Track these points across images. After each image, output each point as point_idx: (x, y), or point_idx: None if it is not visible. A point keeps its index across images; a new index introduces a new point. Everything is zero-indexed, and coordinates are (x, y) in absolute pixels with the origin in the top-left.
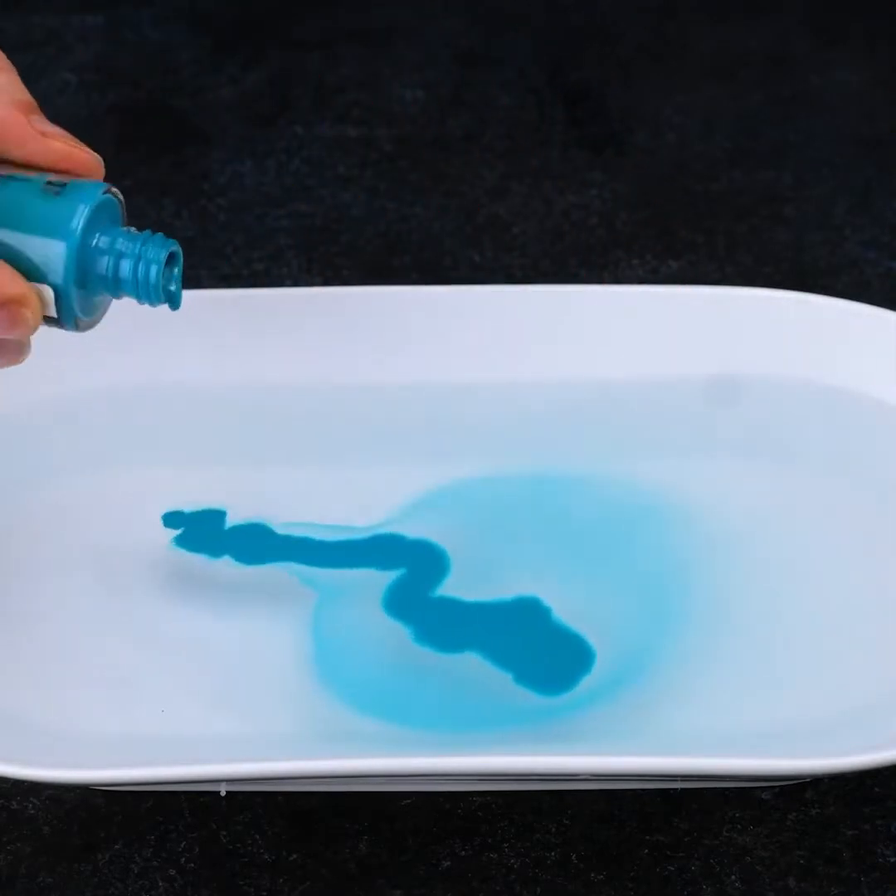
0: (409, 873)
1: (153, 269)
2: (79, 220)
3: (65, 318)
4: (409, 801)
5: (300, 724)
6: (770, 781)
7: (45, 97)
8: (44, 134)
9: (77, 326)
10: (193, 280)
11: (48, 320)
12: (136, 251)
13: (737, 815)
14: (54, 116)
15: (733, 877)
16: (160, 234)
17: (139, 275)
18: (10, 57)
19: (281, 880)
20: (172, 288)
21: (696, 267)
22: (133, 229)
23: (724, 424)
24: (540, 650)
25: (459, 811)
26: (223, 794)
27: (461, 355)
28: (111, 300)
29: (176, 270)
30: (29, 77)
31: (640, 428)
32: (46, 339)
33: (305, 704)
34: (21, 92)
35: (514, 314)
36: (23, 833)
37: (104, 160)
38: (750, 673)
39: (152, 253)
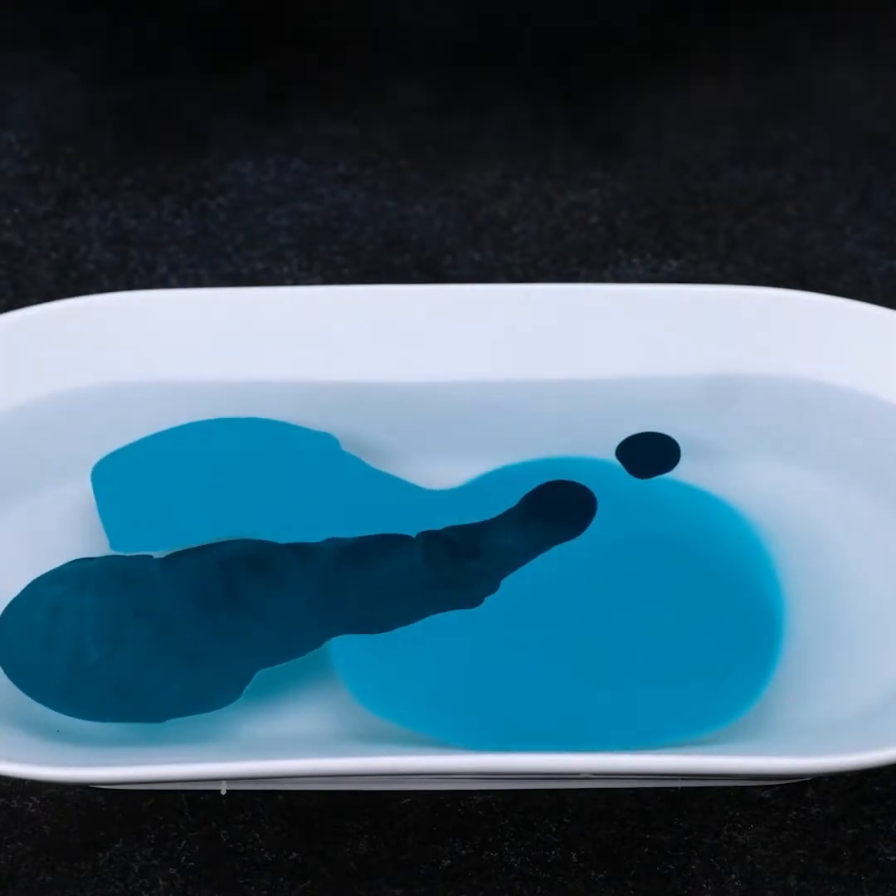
0: (410, 872)
1: None
2: None
3: None
4: (409, 800)
5: (301, 722)
6: (770, 780)
7: (46, 97)
8: None
9: None
10: (194, 279)
11: None
12: None
13: (737, 813)
14: (55, 116)
15: (733, 876)
16: None
17: None
18: (10, 56)
19: (281, 879)
20: None
21: (696, 266)
22: None
23: (723, 423)
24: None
25: (460, 810)
26: (223, 792)
27: (461, 354)
28: None
29: None
30: (29, 77)
31: (639, 427)
32: (46, 337)
33: (306, 701)
34: None
35: (515, 313)
36: (23, 832)
37: (104, 160)
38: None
39: None
